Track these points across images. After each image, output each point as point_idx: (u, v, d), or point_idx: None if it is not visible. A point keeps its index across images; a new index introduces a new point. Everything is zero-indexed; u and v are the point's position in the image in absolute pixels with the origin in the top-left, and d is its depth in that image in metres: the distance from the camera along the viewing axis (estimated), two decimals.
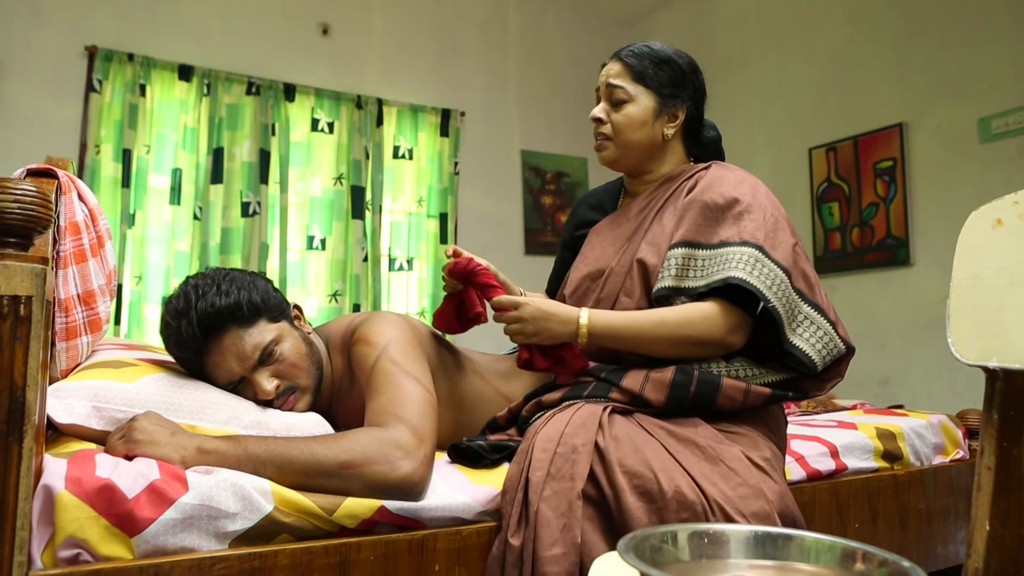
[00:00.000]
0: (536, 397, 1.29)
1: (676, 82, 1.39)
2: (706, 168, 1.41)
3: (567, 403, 1.23)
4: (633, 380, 1.23)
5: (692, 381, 1.21)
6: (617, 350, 1.30)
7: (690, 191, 1.36)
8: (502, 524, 1.09)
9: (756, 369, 1.27)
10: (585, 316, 1.24)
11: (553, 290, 1.70)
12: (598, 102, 1.43)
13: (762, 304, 1.21)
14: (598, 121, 1.41)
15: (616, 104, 1.39)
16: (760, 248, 1.23)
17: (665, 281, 1.28)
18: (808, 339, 1.23)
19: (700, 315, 1.23)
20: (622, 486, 1.06)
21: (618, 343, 1.26)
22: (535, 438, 1.14)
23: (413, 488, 1.05)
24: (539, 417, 1.24)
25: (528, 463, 1.10)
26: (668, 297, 1.28)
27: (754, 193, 1.30)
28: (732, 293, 1.23)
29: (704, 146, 1.49)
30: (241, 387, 1.22)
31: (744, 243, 1.23)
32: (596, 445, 1.11)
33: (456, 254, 1.32)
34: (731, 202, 1.28)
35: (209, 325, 1.18)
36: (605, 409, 1.18)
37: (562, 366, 1.27)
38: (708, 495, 1.05)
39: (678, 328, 1.23)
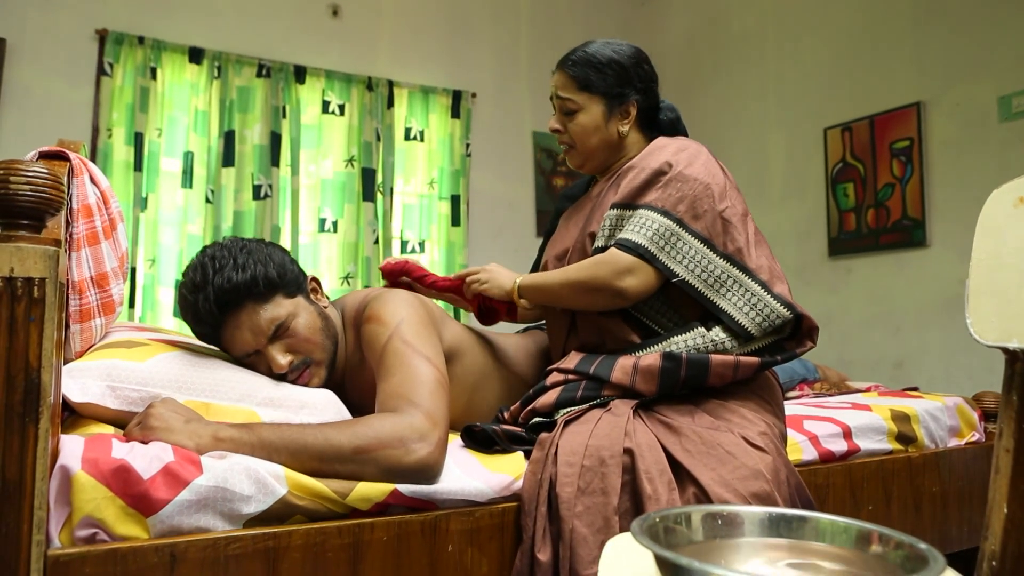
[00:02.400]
0: (530, 402, 1.30)
1: (621, 81, 1.40)
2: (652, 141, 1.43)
3: (571, 410, 1.23)
4: (622, 374, 1.24)
5: (681, 366, 1.22)
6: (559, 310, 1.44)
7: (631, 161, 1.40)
8: (523, 536, 1.09)
9: (739, 339, 1.27)
10: (520, 278, 1.41)
11: None
12: (555, 110, 1.47)
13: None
14: (557, 132, 1.46)
15: (568, 114, 1.43)
16: (679, 221, 1.26)
17: (599, 241, 1.33)
18: (736, 303, 1.25)
19: (591, 262, 1.29)
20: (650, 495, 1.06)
21: (540, 295, 1.37)
22: (553, 450, 1.13)
23: (428, 472, 1.05)
24: (543, 422, 1.25)
25: (552, 477, 1.09)
26: None
27: (690, 161, 1.31)
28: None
29: (662, 129, 1.50)
30: (256, 359, 1.22)
31: (665, 212, 1.27)
32: (625, 455, 1.10)
33: (387, 264, 1.54)
34: (661, 167, 1.31)
35: (225, 301, 1.18)
36: (628, 419, 1.17)
37: (493, 313, 1.51)
38: (705, 484, 1.06)
39: (575, 273, 1.30)
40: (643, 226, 1.26)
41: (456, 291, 1.52)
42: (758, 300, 1.25)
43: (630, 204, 1.31)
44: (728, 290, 1.25)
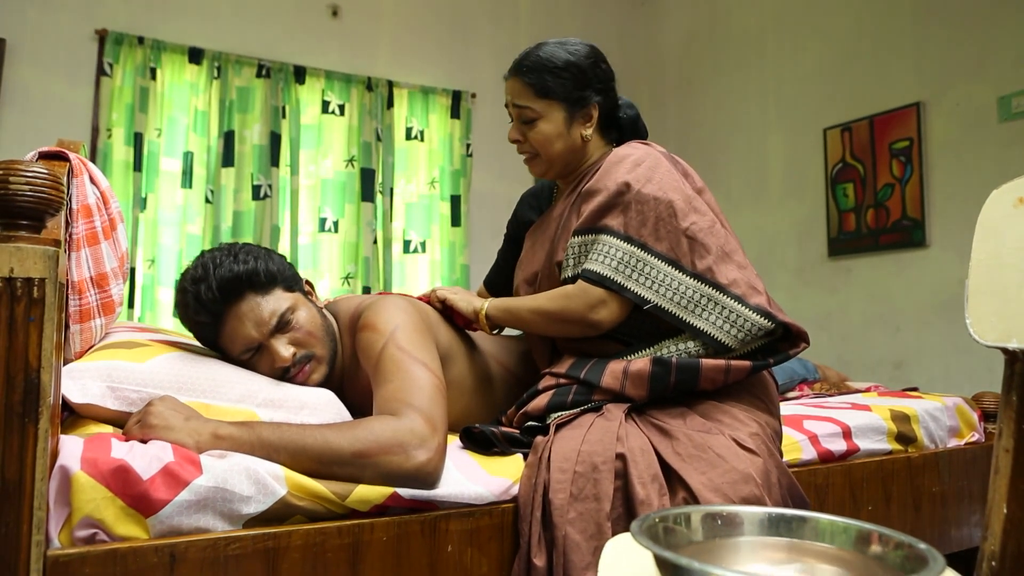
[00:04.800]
0: (523, 406, 1.30)
1: (580, 84, 1.35)
2: (606, 154, 1.39)
3: (562, 414, 1.23)
4: (612, 379, 1.24)
5: (671, 371, 1.21)
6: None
7: (590, 180, 1.36)
8: (520, 542, 1.09)
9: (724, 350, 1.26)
10: (489, 301, 1.40)
11: (493, 282, 1.73)
12: (512, 119, 1.42)
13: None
14: (517, 142, 1.40)
15: (528, 123, 1.37)
16: (642, 245, 1.25)
17: (566, 272, 1.32)
18: (714, 321, 1.23)
19: (561, 294, 1.29)
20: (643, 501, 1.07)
21: (510, 319, 1.37)
22: (547, 455, 1.13)
23: (428, 477, 1.05)
24: (536, 426, 1.25)
25: (545, 483, 1.09)
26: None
27: (648, 176, 1.28)
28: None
29: (622, 128, 1.47)
30: (257, 357, 1.22)
31: (628, 238, 1.25)
32: (617, 460, 1.10)
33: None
34: (619, 189, 1.28)
35: (228, 290, 1.19)
36: (620, 423, 1.17)
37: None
38: (695, 488, 1.06)
39: (546, 304, 1.30)
40: (607, 255, 1.25)
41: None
42: (737, 316, 1.22)
43: (591, 229, 1.29)
44: (704, 309, 1.23)
